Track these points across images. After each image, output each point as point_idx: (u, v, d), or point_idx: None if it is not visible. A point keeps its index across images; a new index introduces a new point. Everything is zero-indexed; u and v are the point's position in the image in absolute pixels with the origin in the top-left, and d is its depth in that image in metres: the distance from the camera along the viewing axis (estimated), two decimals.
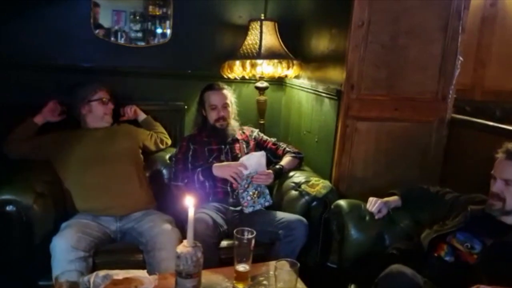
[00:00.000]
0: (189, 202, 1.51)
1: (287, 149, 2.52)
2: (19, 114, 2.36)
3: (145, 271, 1.65)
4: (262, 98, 2.89)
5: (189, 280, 1.49)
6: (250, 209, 2.29)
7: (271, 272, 1.73)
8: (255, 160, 2.25)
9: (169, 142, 2.70)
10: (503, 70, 3.76)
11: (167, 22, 2.83)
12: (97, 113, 2.38)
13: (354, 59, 2.28)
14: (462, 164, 2.51)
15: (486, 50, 3.73)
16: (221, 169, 2.27)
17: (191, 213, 1.51)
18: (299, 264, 1.54)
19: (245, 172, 2.23)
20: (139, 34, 2.80)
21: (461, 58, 2.44)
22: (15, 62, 2.54)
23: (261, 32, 2.66)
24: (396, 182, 2.41)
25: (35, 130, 2.34)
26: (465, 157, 2.50)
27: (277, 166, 2.41)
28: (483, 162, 2.41)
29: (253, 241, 1.61)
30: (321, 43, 2.60)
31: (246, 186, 2.26)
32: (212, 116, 2.44)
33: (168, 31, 2.83)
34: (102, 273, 1.52)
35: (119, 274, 1.50)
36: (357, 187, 2.43)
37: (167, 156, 2.63)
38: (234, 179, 2.24)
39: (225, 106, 2.45)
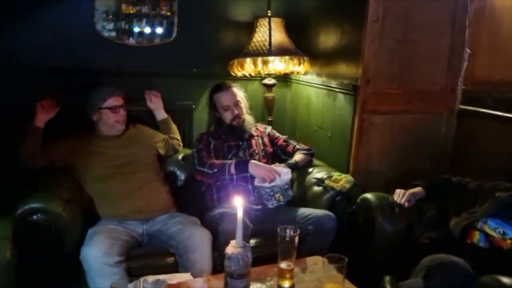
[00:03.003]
0: (237, 203, 1.50)
1: (298, 146, 2.53)
2: (23, 117, 2.26)
3: (189, 273, 1.64)
4: (270, 95, 2.89)
5: (240, 281, 1.48)
6: (275, 203, 2.28)
7: (310, 268, 1.76)
8: (284, 175, 2.25)
9: (180, 149, 2.66)
10: (491, 60, 3.87)
11: (174, 21, 2.78)
12: (107, 121, 2.30)
13: (370, 54, 2.31)
14: (470, 153, 2.60)
15: (476, 42, 3.84)
16: (258, 167, 2.23)
17: (240, 214, 1.50)
18: (347, 259, 1.55)
19: (276, 182, 2.22)
20: (113, 34, 2.72)
21: (468, 51, 2.52)
22: (16, 64, 2.45)
23: (270, 29, 2.66)
24: (409, 173, 2.48)
25: (41, 133, 2.21)
26: (473, 146, 2.59)
27: (292, 161, 2.41)
28: (491, 151, 2.52)
29: (296, 238, 1.62)
30: (331, 39, 2.62)
31: (271, 193, 2.25)
32: (227, 116, 2.42)
33: (159, 30, 2.80)
34: (150, 278, 1.50)
35: (173, 279, 1.47)
36: (373, 179, 2.47)
37: (180, 157, 2.60)
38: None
39: (237, 103, 2.44)
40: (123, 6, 2.68)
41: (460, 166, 2.60)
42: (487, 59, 3.90)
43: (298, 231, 1.62)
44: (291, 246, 1.62)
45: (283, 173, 2.24)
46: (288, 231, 1.62)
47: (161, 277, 1.51)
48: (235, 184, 2.32)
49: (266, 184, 2.21)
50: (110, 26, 2.69)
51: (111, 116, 2.28)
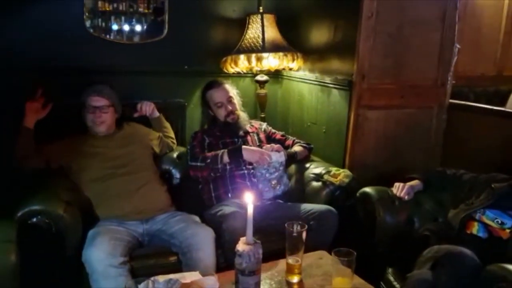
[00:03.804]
0: (248, 199, 1.50)
1: (296, 140, 2.55)
2: (16, 118, 2.20)
3: (197, 272, 1.63)
4: (262, 91, 2.89)
5: (252, 277, 1.48)
6: (271, 194, 2.30)
7: (316, 263, 1.77)
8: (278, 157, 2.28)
9: (175, 147, 2.64)
10: (473, 56, 3.98)
11: (156, 19, 2.76)
12: (87, 121, 2.26)
13: (365, 50, 2.34)
14: (460, 146, 2.66)
15: (458, 37, 3.93)
16: (251, 152, 2.25)
17: (250, 210, 1.49)
18: (355, 253, 1.56)
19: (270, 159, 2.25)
20: (91, 31, 2.68)
21: (458, 46, 2.58)
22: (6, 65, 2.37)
23: (262, 26, 2.66)
24: (403, 167, 2.53)
25: (32, 133, 2.16)
26: (463, 139, 2.66)
27: (291, 150, 2.43)
28: (480, 143, 2.60)
29: (304, 234, 1.63)
30: (324, 35, 2.63)
31: (267, 176, 2.27)
32: (221, 113, 2.43)
33: (138, 28, 2.78)
34: (161, 278, 1.48)
35: (184, 278, 1.46)
36: (368, 174, 2.49)
37: (175, 155, 2.58)
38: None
39: (230, 100, 2.45)
40: (99, 4, 2.64)
41: (451, 159, 2.66)
42: (468, 55, 3.99)
43: (306, 227, 1.63)
44: (299, 241, 1.63)
45: (276, 154, 2.27)
46: (295, 226, 1.63)
47: (172, 276, 1.49)
48: (233, 181, 2.32)
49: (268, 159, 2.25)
50: (87, 23, 2.64)
51: (88, 116, 2.24)
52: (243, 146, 2.28)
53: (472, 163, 2.38)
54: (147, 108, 2.51)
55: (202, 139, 2.40)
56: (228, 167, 2.29)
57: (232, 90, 2.50)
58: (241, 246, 1.49)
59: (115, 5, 2.70)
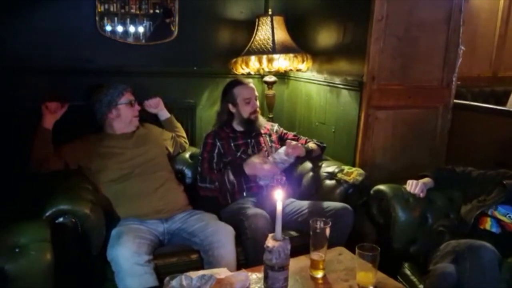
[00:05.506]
0: (277, 196, 1.54)
1: (309, 140, 2.60)
2: (26, 119, 2.22)
3: (225, 269, 1.66)
4: (270, 92, 2.93)
5: (281, 273, 1.53)
6: (266, 181, 2.36)
7: (336, 258, 1.82)
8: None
9: (187, 146, 2.67)
10: (469, 57, 4.08)
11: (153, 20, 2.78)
12: (126, 117, 2.29)
13: (375, 51, 2.40)
14: (464, 144, 2.74)
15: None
16: (252, 168, 2.29)
17: (279, 207, 1.54)
18: (379, 249, 1.61)
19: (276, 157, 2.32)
20: (101, 32, 2.69)
21: (462, 48, 2.66)
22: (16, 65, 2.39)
23: (272, 27, 2.70)
24: (410, 166, 2.61)
25: (50, 135, 2.20)
26: (466, 138, 2.74)
27: (306, 146, 2.48)
28: (483, 142, 2.68)
29: (327, 230, 1.67)
30: (333, 37, 2.69)
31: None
32: (247, 109, 2.45)
33: (132, 29, 2.78)
34: (193, 274, 1.51)
35: (219, 273, 1.49)
36: (377, 172, 2.56)
37: (188, 155, 2.61)
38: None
39: (256, 98, 2.50)
40: (109, 6, 2.65)
41: (455, 157, 2.74)
42: (465, 56, 4.07)
43: (330, 223, 1.68)
44: (323, 237, 1.68)
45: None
46: (319, 223, 1.68)
47: (202, 272, 1.53)
48: (248, 180, 2.35)
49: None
50: (98, 24, 2.63)
51: (129, 111, 2.29)
52: (245, 163, 2.31)
53: (475, 161, 2.46)
54: (152, 102, 2.55)
55: (212, 147, 2.41)
56: (235, 182, 2.32)
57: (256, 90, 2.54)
58: (270, 243, 1.53)
59: (125, 6, 2.72)
